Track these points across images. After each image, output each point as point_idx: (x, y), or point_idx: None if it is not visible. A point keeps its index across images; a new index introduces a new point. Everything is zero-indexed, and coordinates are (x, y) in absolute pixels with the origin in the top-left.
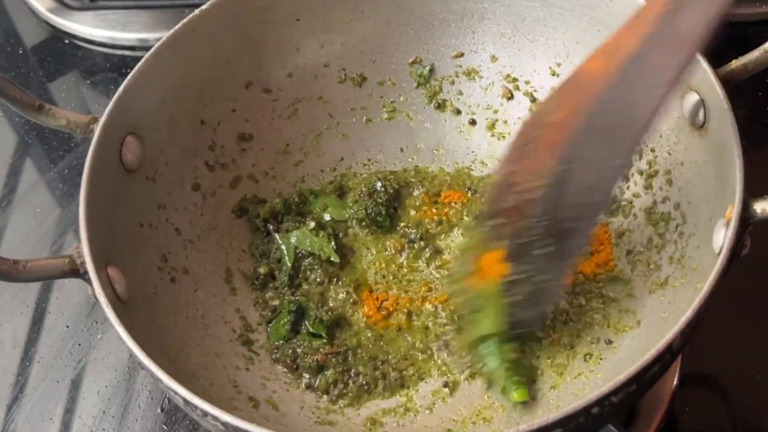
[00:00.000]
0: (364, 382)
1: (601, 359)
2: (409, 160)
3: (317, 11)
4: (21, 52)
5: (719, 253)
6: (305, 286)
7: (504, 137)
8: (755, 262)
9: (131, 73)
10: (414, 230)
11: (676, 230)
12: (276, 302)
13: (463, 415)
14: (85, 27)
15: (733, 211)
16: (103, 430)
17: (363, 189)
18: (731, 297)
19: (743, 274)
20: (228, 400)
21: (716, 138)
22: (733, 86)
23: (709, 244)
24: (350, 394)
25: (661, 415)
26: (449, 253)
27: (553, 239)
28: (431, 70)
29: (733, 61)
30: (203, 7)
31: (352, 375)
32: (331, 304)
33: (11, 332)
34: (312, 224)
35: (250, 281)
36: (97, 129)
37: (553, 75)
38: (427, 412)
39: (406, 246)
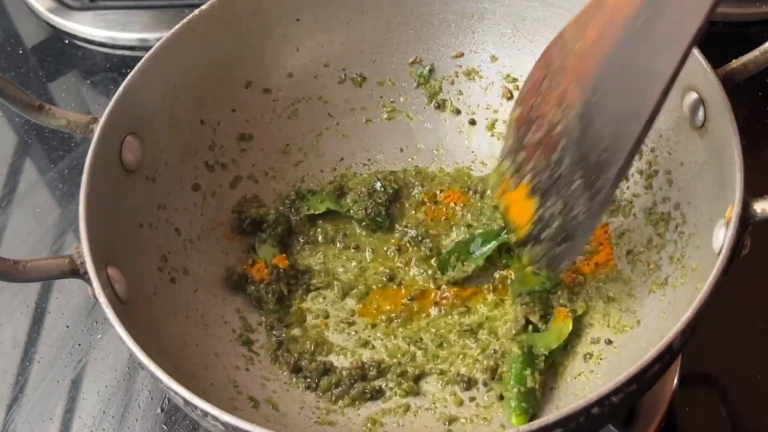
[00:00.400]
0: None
1: (601, 359)
2: (409, 160)
3: (317, 11)
4: (21, 52)
5: (719, 253)
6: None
7: (504, 137)
8: (755, 262)
9: (131, 73)
10: (414, 230)
11: (676, 230)
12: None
13: (464, 415)
14: (85, 27)
15: (733, 211)
16: (103, 430)
17: (363, 189)
18: (731, 297)
19: (743, 274)
20: (228, 400)
21: (716, 138)
22: (733, 86)
23: (709, 244)
24: (350, 395)
25: (661, 415)
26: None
27: (582, 172)
28: (431, 70)
29: (733, 61)
30: (203, 7)
31: (355, 377)
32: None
33: (11, 332)
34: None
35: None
36: (97, 129)
37: None
38: (428, 412)
39: (407, 246)
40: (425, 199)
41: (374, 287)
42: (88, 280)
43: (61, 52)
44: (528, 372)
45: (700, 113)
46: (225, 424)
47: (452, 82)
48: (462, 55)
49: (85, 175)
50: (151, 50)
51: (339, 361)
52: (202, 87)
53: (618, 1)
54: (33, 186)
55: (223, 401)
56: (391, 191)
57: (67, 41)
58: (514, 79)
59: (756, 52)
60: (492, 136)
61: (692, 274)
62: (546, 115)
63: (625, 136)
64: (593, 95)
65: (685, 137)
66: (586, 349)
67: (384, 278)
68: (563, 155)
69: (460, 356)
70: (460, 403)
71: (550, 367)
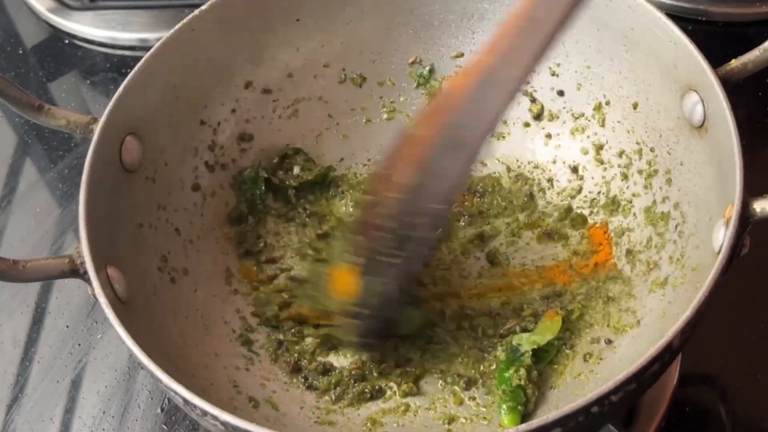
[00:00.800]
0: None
1: (601, 359)
2: None
3: (317, 11)
4: (21, 52)
5: (719, 253)
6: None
7: (504, 137)
8: (755, 262)
9: (131, 73)
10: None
11: (675, 230)
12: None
13: (464, 415)
14: (85, 27)
15: (733, 211)
16: (103, 430)
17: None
18: (731, 297)
19: (743, 274)
20: (228, 400)
21: (716, 138)
22: (733, 86)
23: (709, 243)
24: (350, 395)
25: (661, 415)
26: (449, 253)
27: (401, 250)
28: (431, 70)
29: (733, 61)
30: (203, 7)
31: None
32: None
33: (11, 332)
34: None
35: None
36: (97, 129)
37: (553, 75)
38: (428, 411)
39: None
40: None
41: None
42: (88, 280)
43: (61, 52)
44: (511, 371)
45: (700, 113)
46: (225, 424)
47: None
48: (462, 55)
49: (85, 175)
50: (151, 50)
51: (339, 361)
52: (202, 87)
53: (454, 91)
54: (33, 186)
55: (223, 401)
56: None
57: (67, 41)
58: None
59: (756, 52)
60: (492, 136)
61: (692, 274)
62: (382, 200)
63: (435, 215)
64: (418, 178)
65: (685, 137)
66: (586, 349)
67: None
68: (388, 237)
69: (460, 356)
70: (460, 403)
71: (549, 364)
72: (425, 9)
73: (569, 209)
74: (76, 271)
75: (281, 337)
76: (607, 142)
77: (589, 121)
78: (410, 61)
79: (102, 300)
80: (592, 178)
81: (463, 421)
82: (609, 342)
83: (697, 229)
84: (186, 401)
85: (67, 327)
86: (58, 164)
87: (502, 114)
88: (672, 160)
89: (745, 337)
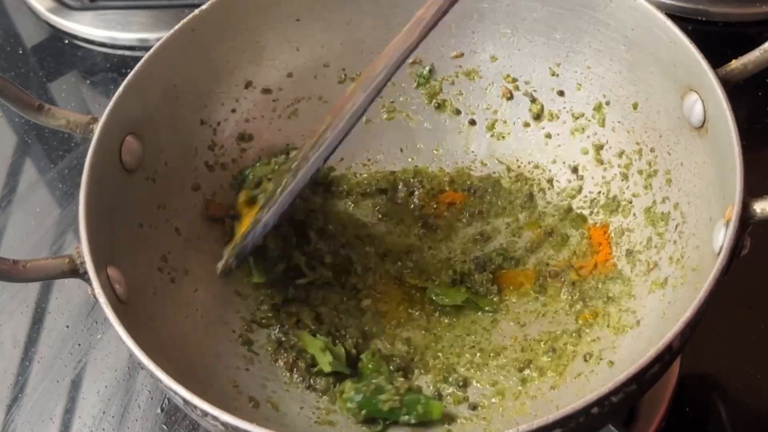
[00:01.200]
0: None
1: (601, 359)
2: (409, 160)
3: (317, 11)
4: (21, 52)
5: (719, 253)
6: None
7: (504, 137)
8: (755, 262)
9: (131, 73)
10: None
11: (675, 230)
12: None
13: (463, 415)
14: (85, 27)
15: (733, 211)
16: (103, 430)
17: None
18: (731, 297)
19: (743, 274)
20: (228, 400)
21: (716, 138)
22: (733, 86)
23: (709, 244)
24: None
25: (661, 415)
26: (449, 254)
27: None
28: (431, 70)
29: (733, 61)
30: (203, 7)
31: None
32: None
33: (11, 332)
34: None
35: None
36: (97, 129)
37: (553, 75)
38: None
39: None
40: (425, 200)
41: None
42: (88, 280)
43: (61, 52)
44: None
45: (700, 113)
46: (225, 424)
47: (452, 83)
48: (462, 55)
49: (85, 175)
50: (151, 50)
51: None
52: (202, 87)
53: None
54: (33, 186)
55: (223, 401)
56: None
57: (67, 41)
58: (514, 79)
59: (756, 52)
60: (492, 136)
61: (692, 274)
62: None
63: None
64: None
65: (685, 137)
66: (586, 349)
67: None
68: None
69: (459, 356)
70: (460, 403)
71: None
72: None
73: (569, 209)
74: (76, 271)
75: (282, 337)
76: (607, 142)
77: (589, 121)
78: (410, 61)
79: (102, 300)
80: (592, 178)
81: (463, 421)
82: (609, 342)
83: (697, 230)
84: (186, 401)
85: (67, 327)
86: (58, 164)
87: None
88: (672, 161)
89: (745, 337)
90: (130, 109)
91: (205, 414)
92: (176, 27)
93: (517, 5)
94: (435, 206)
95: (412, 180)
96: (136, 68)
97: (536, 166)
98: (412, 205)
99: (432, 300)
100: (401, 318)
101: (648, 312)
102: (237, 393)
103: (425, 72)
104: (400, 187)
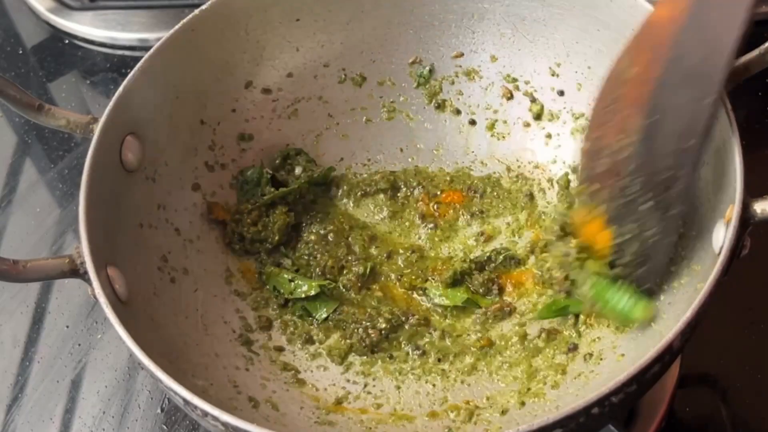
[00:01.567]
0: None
1: (601, 359)
2: (409, 160)
3: (317, 11)
4: (21, 52)
5: (719, 254)
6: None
7: (504, 137)
8: (755, 262)
9: (131, 73)
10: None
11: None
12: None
13: (463, 416)
14: (85, 27)
15: (733, 211)
16: (103, 430)
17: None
18: (731, 297)
19: (743, 274)
20: (228, 400)
21: (716, 138)
22: (733, 86)
23: (709, 244)
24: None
25: (661, 415)
26: (450, 254)
27: (652, 193)
28: (431, 70)
29: None
30: (203, 7)
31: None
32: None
33: (11, 332)
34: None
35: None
36: (97, 129)
37: (553, 75)
38: (427, 415)
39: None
40: (425, 199)
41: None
42: (88, 280)
43: (61, 52)
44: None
45: None
46: (225, 424)
47: (452, 83)
48: (462, 55)
49: (85, 175)
50: (151, 50)
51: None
52: (202, 87)
53: (662, 23)
54: (33, 186)
55: (223, 401)
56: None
57: (67, 41)
58: (514, 79)
59: (756, 52)
60: (492, 136)
61: (692, 274)
62: (611, 144)
63: (686, 152)
64: (651, 117)
65: None
66: (586, 349)
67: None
68: (632, 181)
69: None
70: (460, 404)
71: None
72: (425, 9)
73: (569, 209)
74: (76, 271)
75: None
76: None
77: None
78: (410, 61)
79: (102, 300)
80: None
81: (464, 421)
82: (609, 342)
83: (697, 230)
84: (186, 401)
85: (67, 327)
86: (58, 164)
87: (738, 37)
88: None
89: (745, 337)
90: (130, 109)
91: (205, 414)
92: (176, 27)
93: (517, 5)
94: (435, 206)
95: (412, 180)
96: (136, 68)
97: (536, 166)
98: (413, 205)
99: (432, 300)
100: None
101: None
102: (237, 393)
103: (425, 72)
104: (400, 187)
